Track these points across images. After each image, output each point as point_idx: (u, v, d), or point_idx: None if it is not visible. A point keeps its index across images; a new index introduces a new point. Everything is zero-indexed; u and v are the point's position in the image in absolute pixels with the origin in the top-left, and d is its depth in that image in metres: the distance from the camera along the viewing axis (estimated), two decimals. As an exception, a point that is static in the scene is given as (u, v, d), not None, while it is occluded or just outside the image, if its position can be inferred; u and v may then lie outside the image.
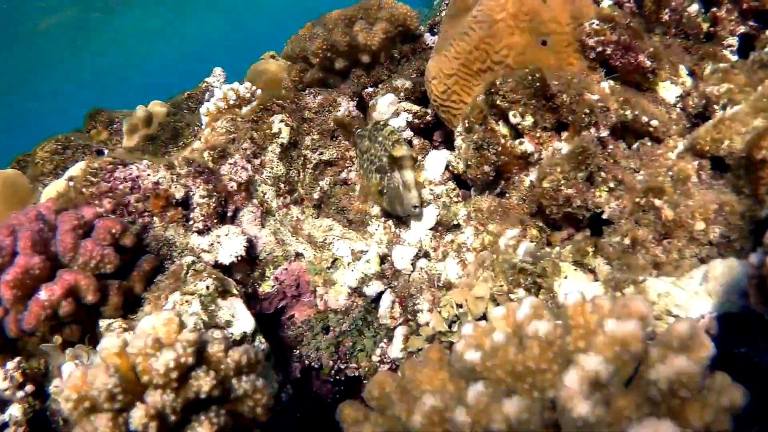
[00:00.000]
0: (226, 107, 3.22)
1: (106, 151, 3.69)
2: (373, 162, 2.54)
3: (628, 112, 2.10)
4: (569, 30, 2.31)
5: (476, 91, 2.44)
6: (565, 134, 2.18)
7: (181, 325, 1.45)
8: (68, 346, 2.04)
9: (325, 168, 3.04)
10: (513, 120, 2.20)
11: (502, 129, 2.26)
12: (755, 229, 1.66)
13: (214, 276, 2.13)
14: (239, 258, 2.41)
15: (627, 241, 1.85)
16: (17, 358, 1.99)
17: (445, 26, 2.71)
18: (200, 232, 2.46)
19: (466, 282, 2.05)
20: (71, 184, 2.40)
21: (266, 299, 2.50)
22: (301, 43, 3.45)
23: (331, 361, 2.36)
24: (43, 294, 1.93)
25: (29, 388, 1.95)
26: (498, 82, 2.21)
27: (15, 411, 1.88)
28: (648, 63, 2.22)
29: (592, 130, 2.09)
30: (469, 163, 2.35)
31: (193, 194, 2.49)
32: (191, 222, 2.47)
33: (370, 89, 3.32)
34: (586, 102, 2.09)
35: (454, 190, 2.61)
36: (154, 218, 2.42)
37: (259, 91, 3.36)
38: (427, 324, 2.15)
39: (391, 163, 2.42)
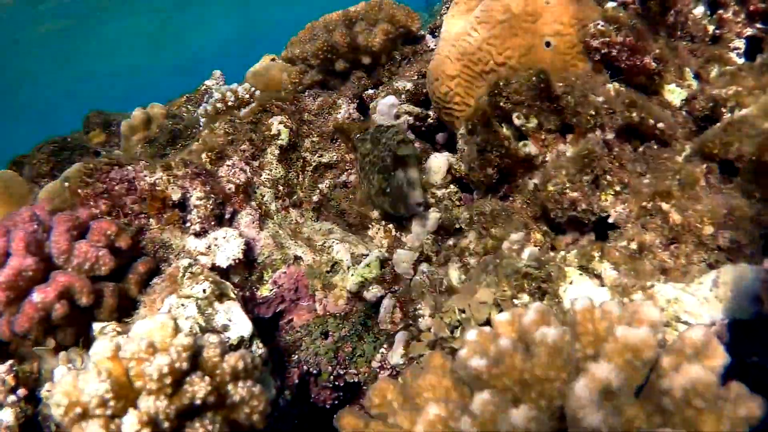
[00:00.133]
0: (224, 108, 3.19)
1: (103, 153, 3.66)
2: (375, 164, 2.51)
3: (634, 114, 2.06)
4: (573, 31, 2.28)
5: (479, 93, 2.41)
6: (569, 137, 2.15)
7: (176, 329, 1.42)
8: (62, 349, 2.01)
9: (324, 171, 3.01)
10: (517, 122, 2.18)
11: (505, 131, 2.23)
12: (766, 234, 1.63)
13: (211, 279, 2.10)
14: (237, 261, 2.38)
15: (634, 245, 1.82)
16: (9, 362, 1.96)
17: (447, 27, 2.68)
18: (197, 235, 2.42)
19: (469, 287, 2.01)
20: (66, 184, 2.36)
21: (264, 303, 2.46)
22: (301, 44, 3.42)
23: (330, 367, 2.33)
24: (36, 296, 1.90)
25: (21, 392, 1.91)
26: (502, 84, 2.19)
27: (7, 415, 1.85)
28: (654, 65, 2.18)
29: (598, 132, 2.06)
30: (472, 165, 2.32)
31: (191, 196, 2.45)
32: (188, 224, 2.43)
33: (370, 91, 3.29)
34: (591, 104, 2.06)
35: (456, 193, 2.59)
36: (151, 220, 2.39)
37: (258, 93, 3.34)
38: (429, 329, 2.11)
39: (395, 162, 2.39)
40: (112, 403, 1.30)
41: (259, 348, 2.04)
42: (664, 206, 1.80)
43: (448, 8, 3.17)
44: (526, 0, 2.29)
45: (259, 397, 1.45)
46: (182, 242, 2.39)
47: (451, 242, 2.36)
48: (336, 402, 2.40)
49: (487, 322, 1.83)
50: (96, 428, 1.27)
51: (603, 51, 2.22)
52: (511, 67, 2.33)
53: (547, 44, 2.30)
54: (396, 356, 2.19)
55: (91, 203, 2.29)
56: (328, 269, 2.47)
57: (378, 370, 2.28)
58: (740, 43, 2.37)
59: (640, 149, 2.10)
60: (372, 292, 2.36)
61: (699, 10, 2.38)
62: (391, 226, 2.60)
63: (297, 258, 2.56)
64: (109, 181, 2.34)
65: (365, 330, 2.35)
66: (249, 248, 2.48)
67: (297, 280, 2.49)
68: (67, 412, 1.31)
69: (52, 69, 25.47)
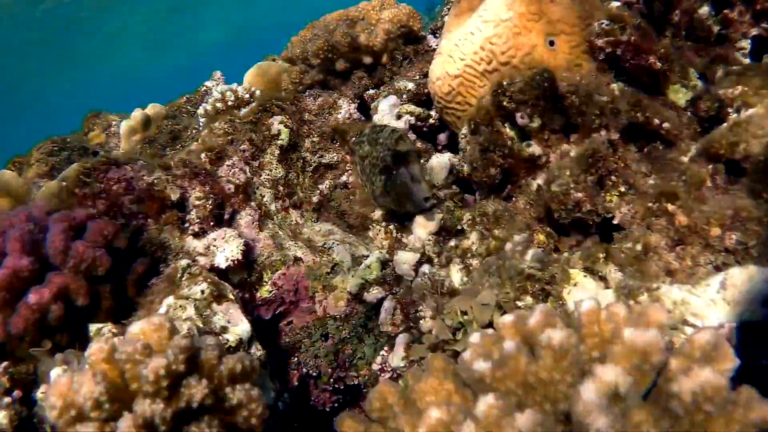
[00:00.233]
0: (224, 108, 3.17)
1: (101, 153, 3.64)
2: (376, 165, 2.48)
3: (639, 114, 2.04)
4: (578, 30, 2.26)
5: (482, 93, 2.39)
6: (573, 136, 2.14)
7: (173, 331, 1.40)
8: (58, 350, 1.98)
9: (325, 171, 2.99)
10: (520, 122, 2.16)
11: (508, 131, 2.22)
12: (775, 235, 1.61)
13: (209, 280, 2.07)
14: (236, 262, 2.35)
15: (639, 247, 1.80)
16: (5, 363, 1.93)
17: (450, 26, 2.66)
18: (196, 235, 2.40)
19: (471, 289, 1.99)
20: (64, 184, 2.34)
21: (263, 305, 2.44)
22: (301, 44, 3.41)
23: (330, 369, 2.30)
24: (32, 297, 1.87)
25: (17, 393, 1.88)
26: (505, 83, 2.17)
27: (1, 418, 1.82)
28: (659, 64, 2.16)
29: (603, 132, 2.04)
30: (475, 165, 2.31)
31: (189, 196, 2.43)
32: (187, 224, 2.41)
33: (371, 91, 3.27)
34: (596, 103, 2.04)
35: (458, 194, 2.56)
36: (149, 220, 2.36)
37: (258, 92, 3.32)
38: (430, 332, 2.09)
39: (396, 160, 2.36)
40: (107, 405, 1.27)
41: (258, 350, 2.02)
42: (670, 207, 1.78)
43: (449, 9, 3.16)
44: (530, -2, 2.28)
45: (257, 400, 1.42)
46: (181, 243, 2.37)
47: (453, 243, 2.33)
48: (336, 405, 2.37)
49: (490, 325, 1.81)
50: (90, 431, 1.24)
51: (608, 50, 2.20)
52: (514, 66, 2.32)
53: (551, 43, 2.27)
54: (397, 359, 2.17)
55: (89, 203, 2.26)
56: (329, 270, 2.45)
57: (379, 372, 2.26)
58: (746, 43, 2.35)
59: (646, 149, 2.08)
60: (373, 294, 2.34)
61: (704, 10, 2.36)
62: (392, 227, 2.57)
63: (297, 259, 2.53)
64: (106, 181, 2.31)
65: (366, 332, 2.32)
66: (248, 249, 2.46)
67: (297, 281, 2.47)
68: (62, 414, 1.29)
69: (51, 69, 25.47)
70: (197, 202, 2.42)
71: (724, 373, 0.98)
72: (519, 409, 1.00)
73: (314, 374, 2.34)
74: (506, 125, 2.23)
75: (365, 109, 3.26)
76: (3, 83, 23.75)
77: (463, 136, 2.40)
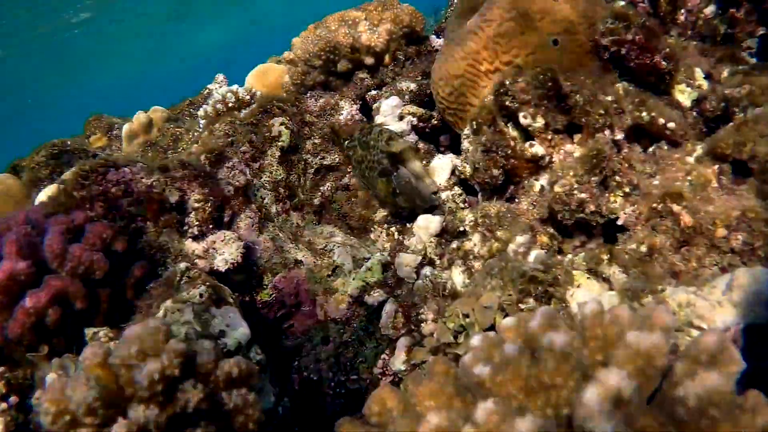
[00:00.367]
0: (224, 110, 3.16)
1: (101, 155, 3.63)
2: (374, 168, 2.46)
3: (644, 114, 2.01)
4: (582, 29, 2.23)
5: (484, 93, 2.37)
6: (577, 137, 2.11)
7: (168, 335, 1.37)
8: (56, 355, 1.96)
9: (326, 173, 2.98)
10: (523, 122, 2.14)
11: (511, 131, 2.20)
12: (782, 236, 1.58)
13: (208, 283, 2.06)
14: (235, 265, 2.34)
15: (643, 248, 1.78)
16: (1, 368, 1.91)
17: (453, 26, 2.64)
18: (195, 238, 2.38)
19: (473, 291, 1.96)
20: (62, 187, 2.32)
21: (264, 308, 2.42)
22: (303, 45, 3.39)
23: (331, 373, 2.29)
24: (29, 301, 1.86)
25: (13, 399, 1.86)
26: (508, 82, 2.15)
27: (-3, 424, 1.80)
28: (664, 64, 2.14)
29: (607, 132, 2.01)
30: (477, 166, 2.29)
31: (189, 198, 2.41)
32: (186, 227, 2.39)
33: (373, 92, 3.26)
34: (600, 103, 2.01)
35: (460, 195, 2.55)
36: (148, 223, 2.34)
37: (259, 94, 3.31)
38: (432, 335, 2.07)
39: (393, 160, 2.34)
40: (100, 411, 1.25)
41: (257, 354, 2.00)
42: (675, 208, 1.76)
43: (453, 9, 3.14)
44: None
45: (254, 405, 1.40)
46: (180, 246, 2.35)
47: (455, 245, 2.31)
48: (337, 409, 2.35)
49: (492, 328, 1.79)
50: (84, 437, 1.22)
51: (612, 49, 2.18)
52: (518, 65, 2.29)
53: (555, 42, 2.25)
54: (398, 362, 2.15)
55: (87, 206, 2.24)
56: (330, 273, 2.44)
57: (380, 376, 2.23)
58: (752, 43, 2.32)
59: (650, 150, 2.06)
60: (374, 297, 2.32)
61: (710, 9, 2.34)
62: (393, 229, 2.55)
63: (298, 262, 2.51)
64: (105, 183, 2.30)
65: (367, 335, 2.30)
66: (248, 252, 2.44)
67: (297, 284, 2.45)
68: (55, 420, 1.27)
69: (53, 72, 25.53)
70: (196, 205, 2.41)
71: (730, 377, 0.95)
72: (520, 414, 0.98)
73: (315, 378, 2.32)
74: (509, 125, 2.21)
75: (367, 110, 3.25)
76: (4, 86, 23.80)
77: (465, 137, 2.38)
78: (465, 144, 2.38)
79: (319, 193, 2.91)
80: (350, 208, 2.78)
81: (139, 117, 4.00)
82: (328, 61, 3.28)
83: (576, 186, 1.92)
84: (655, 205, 1.80)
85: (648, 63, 2.15)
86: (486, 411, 0.98)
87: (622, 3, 2.40)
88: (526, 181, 2.22)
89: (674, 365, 0.99)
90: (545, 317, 1.13)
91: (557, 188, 1.96)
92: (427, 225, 2.43)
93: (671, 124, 2.01)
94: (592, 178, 1.91)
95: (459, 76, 2.46)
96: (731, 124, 1.89)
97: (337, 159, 2.99)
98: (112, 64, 28.68)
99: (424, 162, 2.67)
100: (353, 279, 2.36)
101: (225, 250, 2.33)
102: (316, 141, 3.02)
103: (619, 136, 2.02)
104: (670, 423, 0.93)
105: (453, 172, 2.59)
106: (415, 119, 2.95)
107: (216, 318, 1.98)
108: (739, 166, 1.79)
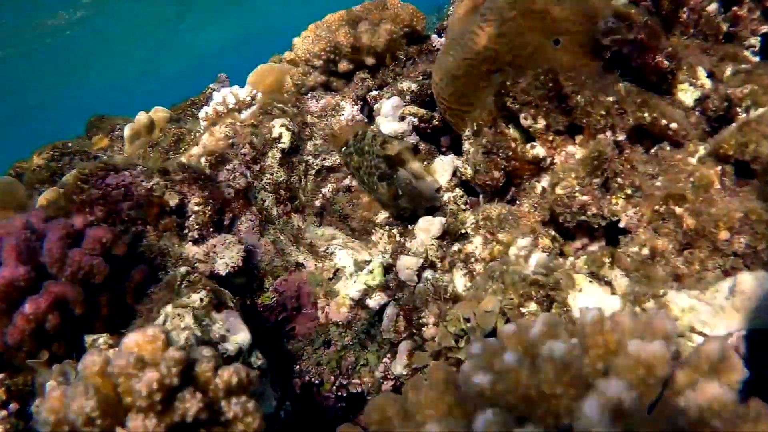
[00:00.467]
0: (225, 111, 3.15)
1: (102, 157, 3.63)
2: (372, 173, 2.44)
3: (646, 114, 2.00)
4: (583, 29, 2.21)
5: (485, 93, 2.35)
6: (579, 138, 2.10)
7: (167, 342, 1.36)
8: (56, 361, 1.95)
9: (327, 174, 2.97)
10: (524, 123, 2.12)
11: (512, 132, 2.19)
12: (786, 238, 1.57)
13: (208, 287, 2.05)
14: (236, 268, 2.33)
15: (646, 251, 1.76)
16: (1, 375, 1.91)
17: (454, 26, 2.62)
18: (195, 242, 2.37)
19: (475, 294, 1.96)
20: (62, 191, 2.31)
21: (265, 312, 2.42)
22: (304, 45, 3.38)
23: (332, 377, 2.28)
24: (28, 307, 1.85)
25: (13, 406, 1.86)
26: (509, 83, 2.13)
27: (-4, 433, 1.80)
28: (666, 63, 2.12)
29: (608, 133, 1.99)
30: (478, 168, 2.27)
31: (189, 201, 2.40)
32: (186, 231, 2.38)
33: (374, 92, 3.24)
34: (601, 103, 2.00)
35: (461, 197, 2.54)
36: (148, 226, 2.33)
37: (259, 95, 3.29)
38: (433, 339, 2.06)
39: (390, 164, 2.33)
40: (99, 421, 1.24)
41: (258, 359, 1.99)
42: (678, 210, 1.75)
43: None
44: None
45: (253, 413, 1.38)
46: (180, 249, 2.35)
47: (456, 248, 2.30)
48: (339, 413, 2.35)
49: (493, 332, 1.78)
50: (82, 448, 1.22)
51: (614, 49, 2.16)
52: (519, 66, 2.27)
53: (556, 42, 2.23)
54: (399, 366, 2.15)
55: (87, 210, 2.24)
56: (331, 276, 2.43)
57: (381, 380, 2.23)
58: (755, 41, 2.31)
59: (652, 150, 2.04)
60: (375, 300, 2.31)
61: (712, 7, 2.32)
62: (395, 231, 2.54)
63: (299, 265, 2.51)
64: (105, 187, 2.29)
65: (368, 339, 2.30)
66: (249, 255, 2.43)
67: (299, 287, 2.44)
68: (54, 430, 1.26)
69: (55, 73, 25.52)
70: (196, 208, 2.40)
71: (731, 386, 0.95)
72: (519, 424, 0.97)
73: (316, 382, 2.32)
74: (510, 126, 2.19)
75: (369, 110, 3.23)
76: (6, 88, 23.80)
77: (466, 138, 2.36)
78: (466, 145, 2.36)
79: (321, 195, 2.90)
80: (351, 209, 2.77)
81: (141, 118, 3.99)
82: (329, 61, 3.27)
83: (577, 188, 1.91)
84: (657, 207, 1.79)
85: (650, 62, 2.13)
86: (485, 421, 0.97)
87: (625, 1, 2.38)
88: (527, 183, 2.20)
89: (676, 374, 0.98)
90: (546, 324, 1.12)
91: (559, 190, 1.94)
92: (428, 227, 2.42)
93: (673, 125, 2.00)
94: (594, 180, 1.90)
95: (460, 76, 2.44)
96: (734, 124, 1.88)
97: (338, 160, 2.97)
98: (113, 64, 28.64)
99: (425, 163, 2.66)
100: (354, 282, 2.35)
101: (225, 254, 2.32)
102: (317, 142, 3.01)
103: (621, 137, 2.01)
104: (670, 434, 0.92)
105: (454, 174, 2.58)
106: (416, 120, 2.94)
107: (216, 323, 1.97)
108: (742, 167, 1.77)
